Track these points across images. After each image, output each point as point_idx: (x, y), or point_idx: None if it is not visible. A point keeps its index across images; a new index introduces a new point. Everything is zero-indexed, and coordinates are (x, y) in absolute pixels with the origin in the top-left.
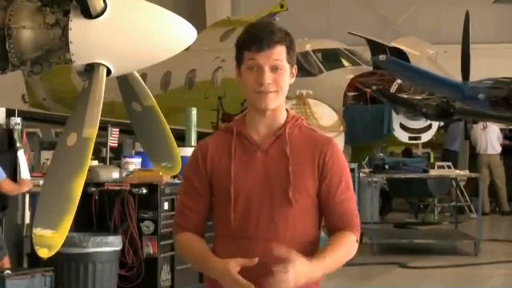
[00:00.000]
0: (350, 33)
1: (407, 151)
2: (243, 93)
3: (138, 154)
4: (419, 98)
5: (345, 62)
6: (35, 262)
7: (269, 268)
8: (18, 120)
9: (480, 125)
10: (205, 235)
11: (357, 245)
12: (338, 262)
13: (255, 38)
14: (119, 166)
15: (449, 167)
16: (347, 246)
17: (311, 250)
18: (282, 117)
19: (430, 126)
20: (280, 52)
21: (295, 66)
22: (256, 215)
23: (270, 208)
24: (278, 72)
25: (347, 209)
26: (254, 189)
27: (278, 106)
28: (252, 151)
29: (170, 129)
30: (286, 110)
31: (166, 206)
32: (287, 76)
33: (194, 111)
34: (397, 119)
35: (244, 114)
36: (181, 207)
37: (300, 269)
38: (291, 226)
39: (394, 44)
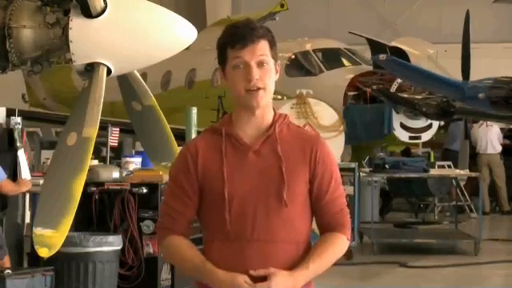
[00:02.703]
0: (350, 32)
1: (406, 151)
2: (232, 93)
3: (138, 153)
4: (419, 97)
5: (345, 62)
6: (35, 261)
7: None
8: (18, 119)
9: (480, 124)
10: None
11: (347, 243)
12: (325, 266)
13: (238, 35)
14: (119, 165)
15: (449, 167)
16: (334, 248)
17: (305, 249)
18: (269, 116)
19: (430, 126)
20: (264, 47)
21: (279, 61)
22: (251, 217)
23: (266, 209)
24: (264, 67)
25: (337, 208)
26: (248, 190)
27: (267, 103)
28: (243, 152)
29: (170, 128)
30: (273, 108)
31: None
32: (273, 72)
33: (194, 111)
34: (397, 119)
35: (230, 114)
36: (168, 210)
37: (280, 284)
38: (287, 226)
39: (394, 43)
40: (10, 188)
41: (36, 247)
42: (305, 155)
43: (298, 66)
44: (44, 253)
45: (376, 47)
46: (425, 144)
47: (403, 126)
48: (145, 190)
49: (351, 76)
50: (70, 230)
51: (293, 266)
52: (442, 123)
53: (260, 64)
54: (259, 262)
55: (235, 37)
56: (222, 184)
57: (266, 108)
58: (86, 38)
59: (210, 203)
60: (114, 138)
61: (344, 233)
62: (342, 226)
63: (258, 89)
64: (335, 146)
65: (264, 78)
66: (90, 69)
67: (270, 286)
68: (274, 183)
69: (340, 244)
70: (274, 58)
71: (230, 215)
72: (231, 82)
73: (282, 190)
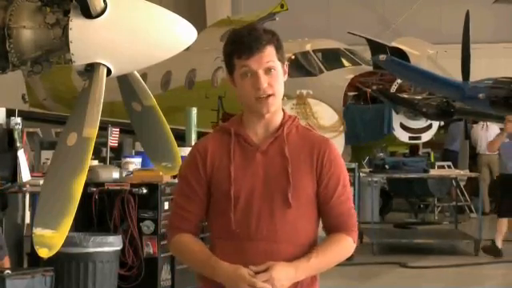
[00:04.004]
0: (350, 32)
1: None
2: (241, 100)
3: (138, 153)
4: (419, 97)
5: (345, 62)
6: (35, 261)
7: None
8: (18, 120)
9: (480, 125)
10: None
11: (353, 245)
12: (328, 263)
13: (243, 44)
14: (119, 165)
15: (449, 167)
16: (339, 247)
17: (311, 249)
18: (279, 117)
19: (430, 126)
20: (270, 53)
21: (286, 62)
22: (256, 216)
23: (270, 209)
24: (271, 73)
25: (344, 210)
26: (253, 190)
27: (278, 106)
28: (251, 152)
29: (170, 128)
30: (282, 109)
31: (166, 205)
32: (281, 76)
33: (194, 111)
34: (397, 119)
35: (240, 115)
36: (177, 209)
37: (281, 274)
38: (291, 227)
39: (394, 44)
40: None
41: (36, 247)
42: (312, 157)
43: (298, 67)
44: (44, 253)
45: (376, 47)
46: (425, 144)
47: (403, 127)
48: (145, 191)
49: (351, 76)
50: (70, 231)
51: None
52: (442, 123)
53: (267, 71)
54: (262, 261)
55: (241, 46)
56: (228, 183)
57: (275, 111)
58: (86, 39)
59: (216, 202)
60: (113, 138)
61: (350, 235)
62: (347, 229)
63: (268, 96)
64: None
65: (273, 84)
66: (90, 69)
67: (272, 274)
68: (279, 184)
69: (345, 245)
70: (281, 60)
71: (235, 214)
72: (240, 90)
73: (287, 191)
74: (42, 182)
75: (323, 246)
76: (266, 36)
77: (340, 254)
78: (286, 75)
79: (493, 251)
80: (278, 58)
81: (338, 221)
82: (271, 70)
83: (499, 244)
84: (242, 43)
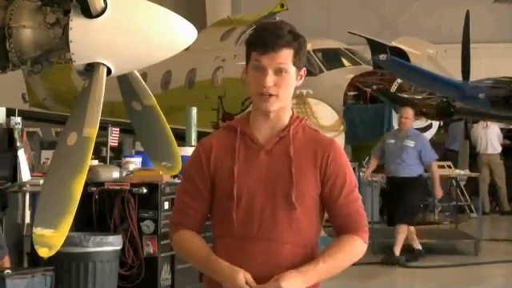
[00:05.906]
0: (350, 32)
1: None
2: (248, 91)
3: (138, 153)
4: (419, 97)
5: (345, 62)
6: (35, 261)
7: (270, 269)
8: (18, 119)
9: (480, 124)
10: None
11: (364, 246)
12: (338, 267)
13: (261, 39)
14: (119, 165)
15: (449, 167)
16: (348, 249)
17: (311, 252)
18: (286, 117)
19: (430, 126)
20: (285, 55)
21: (304, 68)
22: (259, 216)
23: (273, 209)
24: (281, 75)
25: (353, 210)
26: (256, 189)
27: (282, 107)
28: (255, 151)
29: (170, 128)
30: (292, 109)
31: (166, 205)
32: (292, 79)
33: (194, 111)
34: (397, 119)
35: (248, 113)
36: (180, 205)
37: (291, 285)
38: (294, 228)
39: (394, 43)
40: None
41: (36, 247)
42: (316, 158)
43: None
44: (44, 253)
45: (376, 47)
46: None
47: None
48: (145, 190)
49: (351, 76)
50: (70, 230)
51: (296, 268)
52: (442, 123)
53: (278, 71)
54: (263, 261)
55: (259, 40)
56: (231, 182)
57: (280, 111)
58: (86, 38)
59: (218, 200)
60: (114, 137)
61: (360, 235)
62: (357, 229)
63: (270, 95)
64: None
65: (279, 86)
66: (90, 69)
67: (281, 285)
68: (282, 184)
69: (354, 247)
70: (297, 65)
71: (237, 213)
72: (249, 81)
73: (291, 191)
74: (42, 181)
75: (331, 249)
76: (288, 37)
77: (350, 257)
78: (301, 81)
79: (392, 260)
80: (294, 62)
81: (348, 221)
82: (282, 72)
83: (397, 252)
84: (261, 38)
